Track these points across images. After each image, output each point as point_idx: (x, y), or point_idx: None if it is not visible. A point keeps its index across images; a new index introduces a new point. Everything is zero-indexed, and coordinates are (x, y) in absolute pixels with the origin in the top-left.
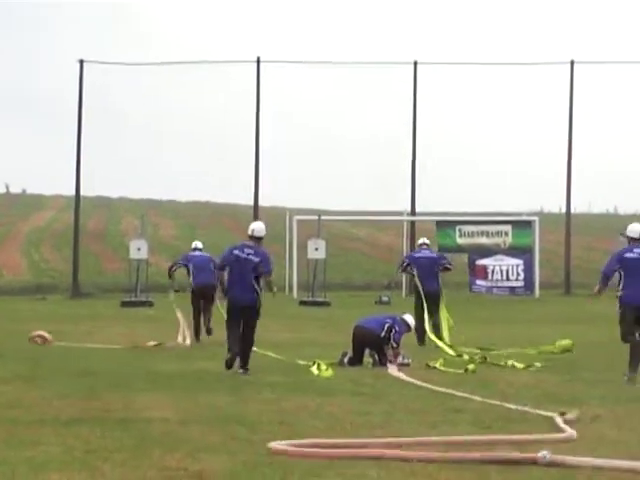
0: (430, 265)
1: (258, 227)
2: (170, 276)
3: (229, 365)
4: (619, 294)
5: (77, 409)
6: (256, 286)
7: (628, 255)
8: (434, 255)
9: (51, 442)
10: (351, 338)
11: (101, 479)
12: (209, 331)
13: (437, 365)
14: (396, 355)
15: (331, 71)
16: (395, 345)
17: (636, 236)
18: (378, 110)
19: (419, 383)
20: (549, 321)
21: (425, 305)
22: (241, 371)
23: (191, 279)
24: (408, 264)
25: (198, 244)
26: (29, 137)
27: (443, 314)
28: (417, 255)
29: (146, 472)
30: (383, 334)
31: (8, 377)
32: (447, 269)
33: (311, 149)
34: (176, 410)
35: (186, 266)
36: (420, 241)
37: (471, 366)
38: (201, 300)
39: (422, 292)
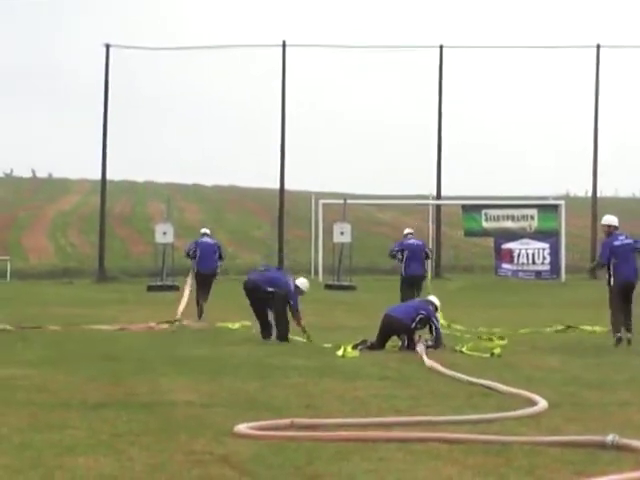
0: (419, 252)
1: None
2: (191, 258)
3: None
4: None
5: (103, 393)
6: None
7: (616, 243)
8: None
9: (77, 426)
10: (379, 324)
11: (128, 463)
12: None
13: (464, 349)
14: (426, 341)
15: (357, 55)
16: (437, 344)
17: (615, 224)
18: (404, 94)
19: (443, 370)
20: (575, 305)
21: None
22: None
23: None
24: (399, 250)
25: (206, 230)
26: (55, 121)
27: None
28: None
29: (172, 456)
30: (413, 325)
31: (34, 361)
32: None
33: (337, 133)
34: (201, 394)
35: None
36: (406, 231)
37: (497, 350)
38: (203, 283)
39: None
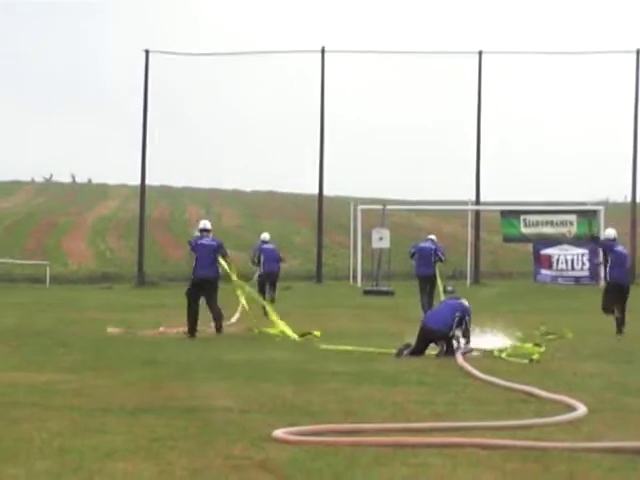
0: (428, 254)
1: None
2: (254, 263)
3: None
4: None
5: (142, 398)
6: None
7: (617, 249)
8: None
9: (116, 430)
10: (417, 332)
11: (167, 467)
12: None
13: (503, 355)
14: (465, 344)
15: (395, 60)
16: (466, 339)
17: (612, 237)
18: (442, 99)
19: (481, 375)
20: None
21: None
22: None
23: (261, 267)
24: (413, 253)
25: (266, 236)
26: (94, 127)
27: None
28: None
29: (212, 461)
30: (452, 333)
31: (74, 366)
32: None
33: (376, 138)
34: (239, 399)
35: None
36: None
37: (535, 356)
38: (267, 284)
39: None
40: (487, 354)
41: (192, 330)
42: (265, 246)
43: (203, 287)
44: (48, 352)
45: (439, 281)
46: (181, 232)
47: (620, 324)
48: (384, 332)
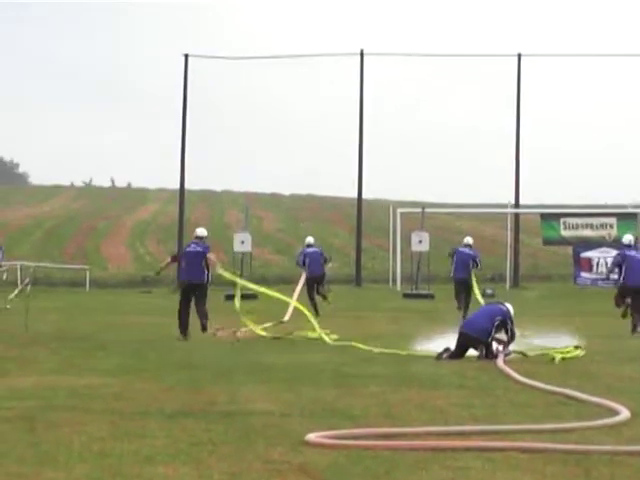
0: (465, 258)
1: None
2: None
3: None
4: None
5: (181, 401)
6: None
7: (629, 254)
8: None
9: (156, 435)
10: (457, 337)
11: (206, 472)
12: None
13: (556, 361)
14: (504, 347)
15: (434, 63)
16: (509, 342)
17: (626, 242)
18: (481, 102)
19: (521, 378)
20: None
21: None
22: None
23: (306, 271)
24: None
25: (310, 240)
26: (134, 131)
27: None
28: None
29: (251, 464)
30: (490, 338)
31: (113, 369)
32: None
33: (414, 141)
34: (279, 402)
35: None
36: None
37: (558, 357)
38: (314, 285)
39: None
40: (522, 356)
41: (183, 330)
42: (309, 250)
43: (193, 292)
44: (88, 356)
45: (476, 288)
46: (221, 236)
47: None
48: (423, 335)
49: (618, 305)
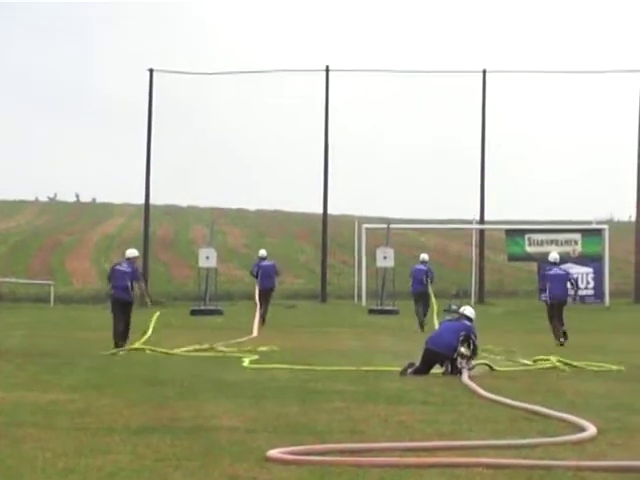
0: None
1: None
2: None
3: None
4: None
5: (147, 417)
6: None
7: (549, 272)
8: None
9: (121, 450)
10: (422, 353)
11: None
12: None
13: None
14: (467, 362)
15: (398, 79)
16: (473, 356)
17: (551, 260)
18: (447, 118)
19: (486, 394)
20: (619, 330)
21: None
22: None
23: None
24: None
25: (263, 252)
26: (98, 146)
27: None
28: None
29: None
30: (455, 355)
31: (78, 385)
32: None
33: (379, 157)
34: (244, 418)
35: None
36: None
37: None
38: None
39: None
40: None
41: (116, 343)
42: (263, 263)
43: (120, 307)
44: (53, 371)
45: (433, 299)
46: (186, 251)
47: (559, 334)
48: (388, 351)
49: (551, 322)
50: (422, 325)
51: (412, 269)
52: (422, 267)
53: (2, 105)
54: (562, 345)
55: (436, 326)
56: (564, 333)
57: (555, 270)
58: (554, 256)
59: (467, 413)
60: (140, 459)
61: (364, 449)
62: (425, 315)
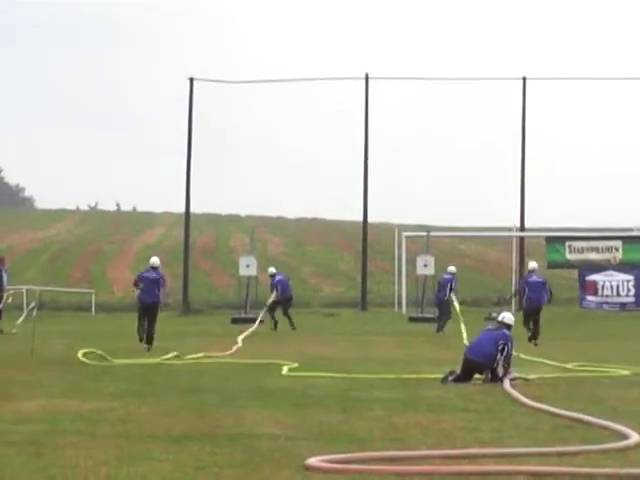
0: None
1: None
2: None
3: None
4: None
5: (187, 425)
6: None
7: (529, 280)
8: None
9: (162, 458)
10: (462, 362)
11: None
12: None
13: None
14: (506, 372)
15: (439, 87)
16: (507, 365)
17: (530, 269)
18: (487, 126)
19: (527, 401)
20: None
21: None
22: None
23: (278, 293)
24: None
25: (273, 270)
26: (139, 155)
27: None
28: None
29: None
30: (495, 365)
31: (119, 393)
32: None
33: (419, 165)
34: (284, 426)
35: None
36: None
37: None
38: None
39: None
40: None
41: (141, 339)
42: (277, 278)
43: (147, 311)
44: (94, 380)
45: (456, 305)
46: (226, 260)
47: (536, 334)
48: (428, 359)
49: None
50: (439, 329)
51: (440, 278)
52: (448, 276)
53: (45, 116)
54: (536, 345)
55: (464, 335)
56: (535, 336)
57: (534, 278)
58: (532, 265)
59: (508, 421)
60: (181, 467)
61: (404, 457)
62: (445, 318)
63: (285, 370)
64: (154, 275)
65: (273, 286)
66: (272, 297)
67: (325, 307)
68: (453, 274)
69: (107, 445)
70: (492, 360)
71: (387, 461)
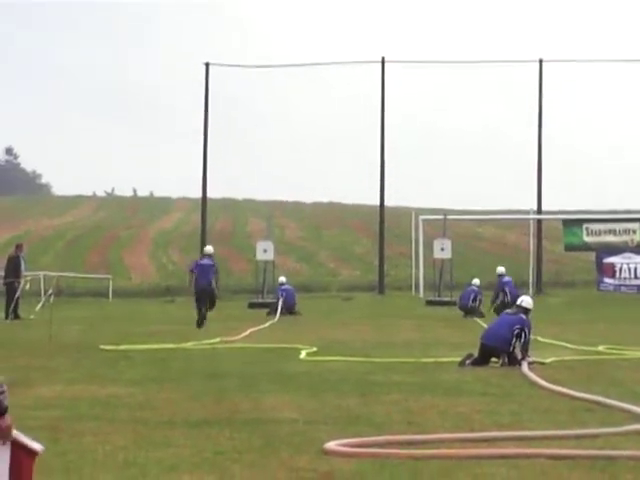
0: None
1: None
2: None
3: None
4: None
5: (206, 410)
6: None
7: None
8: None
9: (181, 443)
10: (478, 345)
11: None
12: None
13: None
14: (524, 356)
15: (455, 70)
16: (525, 350)
17: (498, 273)
18: (503, 108)
19: (546, 384)
20: None
21: None
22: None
23: (283, 300)
24: None
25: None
26: (156, 141)
27: None
28: None
29: (275, 473)
30: (511, 349)
31: (138, 379)
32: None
33: (436, 148)
34: (303, 410)
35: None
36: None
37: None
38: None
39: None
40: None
41: (199, 323)
42: (284, 286)
43: (201, 295)
44: (111, 365)
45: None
46: (243, 245)
47: None
48: (445, 342)
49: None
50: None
51: (464, 290)
52: (473, 289)
53: (62, 103)
54: None
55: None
56: None
57: (506, 279)
58: (501, 269)
59: (527, 404)
60: (200, 452)
61: (422, 440)
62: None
63: (303, 354)
64: (208, 262)
65: (279, 293)
66: (279, 303)
67: (343, 291)
68: (478, 286)
69: (125, 430)
70: (507, 344)
71: (405, 445)
